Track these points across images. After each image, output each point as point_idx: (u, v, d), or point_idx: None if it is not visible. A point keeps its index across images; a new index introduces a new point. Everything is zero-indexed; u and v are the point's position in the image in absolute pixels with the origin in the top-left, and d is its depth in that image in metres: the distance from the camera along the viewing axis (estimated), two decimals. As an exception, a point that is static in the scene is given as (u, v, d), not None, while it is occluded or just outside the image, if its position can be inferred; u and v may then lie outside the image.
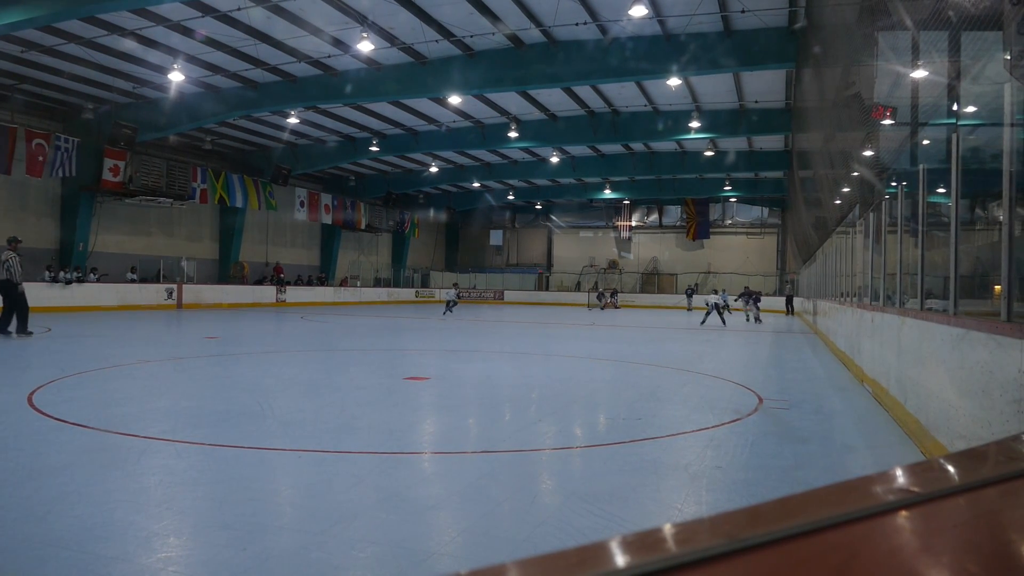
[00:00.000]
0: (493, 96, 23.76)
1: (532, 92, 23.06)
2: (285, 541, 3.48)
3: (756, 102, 23.83)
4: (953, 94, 5.91)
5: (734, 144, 30.44)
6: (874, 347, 8.75)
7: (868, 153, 8.44)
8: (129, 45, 18.46)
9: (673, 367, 11.26)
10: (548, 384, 9.23)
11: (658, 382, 9.76)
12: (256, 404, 7.13)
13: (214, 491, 4.28)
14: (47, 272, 22.90)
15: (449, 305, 27.07)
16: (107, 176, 24.30)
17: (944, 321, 5.10)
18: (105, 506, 3.87)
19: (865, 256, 10.13)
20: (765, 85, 22.05)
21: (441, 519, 3.93)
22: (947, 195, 5.02)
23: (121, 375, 9.23)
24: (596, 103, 24.63)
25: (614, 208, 46.08)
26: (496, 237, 50.53)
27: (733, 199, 41.88)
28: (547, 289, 46.23)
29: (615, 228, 46.61)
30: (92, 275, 24.84)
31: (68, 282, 22.97)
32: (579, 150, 32.44)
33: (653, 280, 44.99)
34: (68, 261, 24.49)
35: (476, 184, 40.22)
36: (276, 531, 3.61)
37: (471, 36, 18.29)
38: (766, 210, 43.26)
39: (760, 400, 7.86)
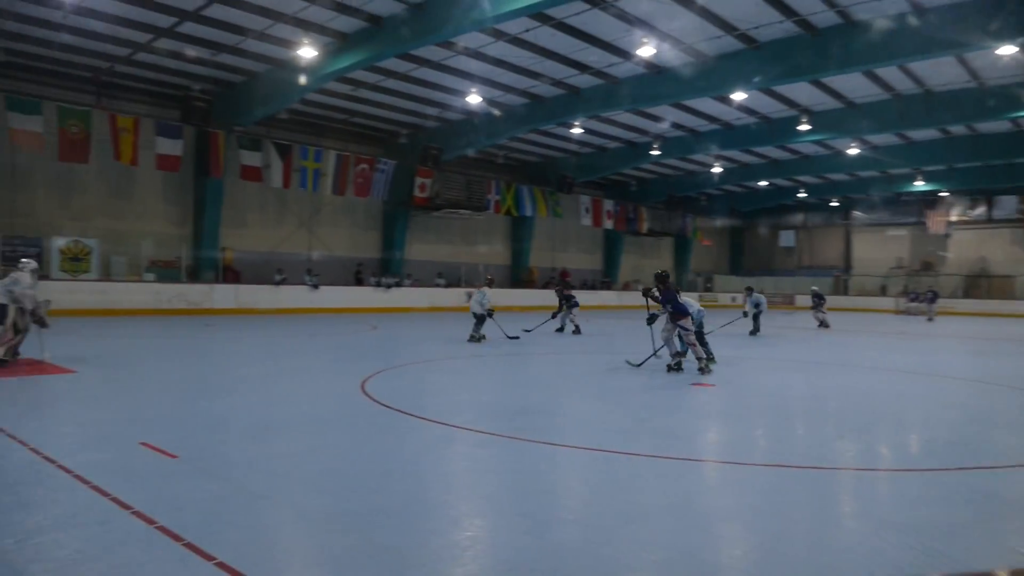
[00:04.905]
0: (780, 88, 22.32)
1: (824, 79, 21.20)
2: (576, 534, 3.63)
3: (1125, 63, 19.31)
4: None
5: (1092, 118, 24.97)
6: None
7: None
8: (434, 75, 20.77)
9: (1007, 385, 9.58)
10: (847, 397, 8.42)
11: (987, 402, 8.40)
12: (548, 400, 7.55)
13: (511, 480, 4.62)
14: (372, 278, 26.79)
15: None
16: (417, 193, 27.65)
17: None
18: (421, 485, 4.39)
19: None
20: None
21: (731, 532, 3.80)
22: None
23: (432, 369, 10.37)
24: (903, 84, 21.84)
25: (927, 201, 40.47)
26: (786, 238, 47.35)
27: (1090, 184, 34.36)
28: (846, 293, 42.17)
29: (928, 224, 40.90)
30: (407, 280, 28.41)
31: (389, 287, 26.57)
32: (882, 138, 29.04)
33: (980, 284, 38.68)
34: (388, 268, 28.33)
35: (763, 183, 38.17)
36: (567, 524, 3.79)
37: (755, 28, 17.40)
38: None
39: None
